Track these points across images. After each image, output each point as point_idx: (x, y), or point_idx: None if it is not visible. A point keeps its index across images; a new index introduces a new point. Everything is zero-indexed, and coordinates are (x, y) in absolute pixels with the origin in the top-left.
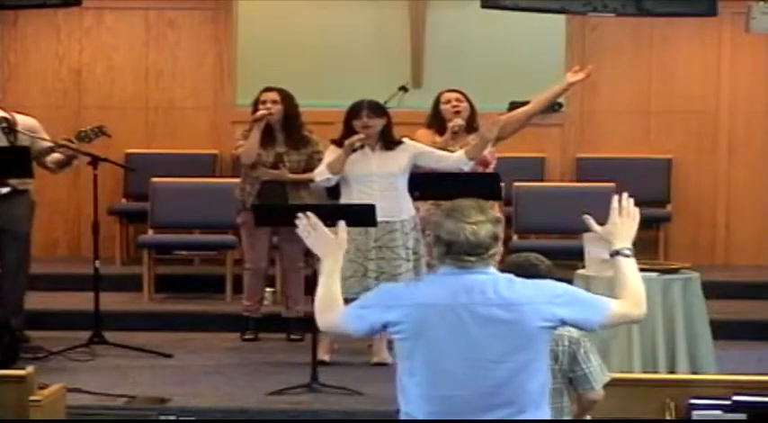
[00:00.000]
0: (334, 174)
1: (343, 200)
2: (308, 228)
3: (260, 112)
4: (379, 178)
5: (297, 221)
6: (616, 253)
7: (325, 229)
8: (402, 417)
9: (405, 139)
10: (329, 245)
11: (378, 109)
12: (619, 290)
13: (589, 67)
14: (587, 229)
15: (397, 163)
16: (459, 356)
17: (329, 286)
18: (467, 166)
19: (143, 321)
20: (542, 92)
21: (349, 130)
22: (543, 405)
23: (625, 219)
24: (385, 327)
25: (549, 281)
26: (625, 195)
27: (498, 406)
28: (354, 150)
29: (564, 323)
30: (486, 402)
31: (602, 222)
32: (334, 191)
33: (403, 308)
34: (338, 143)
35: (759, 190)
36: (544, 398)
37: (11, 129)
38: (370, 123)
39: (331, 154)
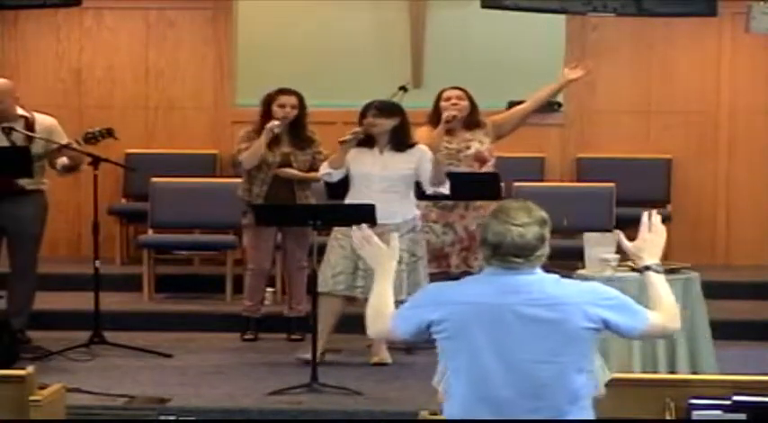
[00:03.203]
0: (334, 169)
1: (349, 198)
2: (363, 240)
3: (276, 123)
4: (379, 179)
5: (351, 233)
6: (646, 268)
7: (379, 241)
8: (446, 416)
9: (419, 145)
10: (381, 256)
11: (386, 109)
12: (654, 304)
13: (587, 63)
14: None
15: (402, 166)
16: (501, 356)
17: (380, 295)
18: (429, 191)
19: (143, 321)
20: (540, 89)
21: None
22: (587, 406)
23: (654, 235)
24: (430, 326)
25: (598, 283)
26: (654, 212)
27: (542, 408)
28: (344, 143)
29: (606, 326)
30: (529, 404)
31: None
32: (334, 190)
33: (447, 306)
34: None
35: (759, 190)
36: (588, 399)
37: (29, 127)
38: (375, 123)
39: None
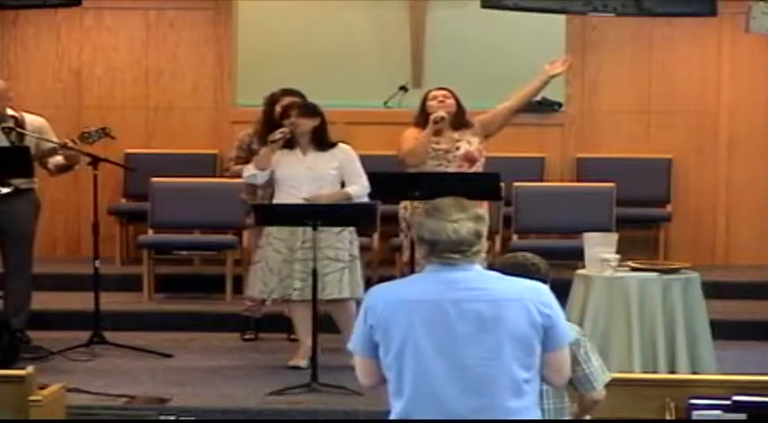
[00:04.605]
0: (260, 170)
1: (274, 201)
2: None
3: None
4: (307, 180)
5: None
6: None
7: None
8: (392, 417)
9: (341, 144)
10: None
11: (307, 110)
12: None
13: (567, 57)
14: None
15: (327, 166)
16: (444, 353)
17: None
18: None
19: (143, 321)
20: (523, 86)
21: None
22: (531, 406)
23: None
24: (372, 327)
25: (543, 284)
26: None
27: (486, 405)
28: (273, 143)
29: (548, 324)
30: (473, 401)
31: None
32: None
33: (390, 305)
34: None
35: (759, 190)
36: (533, 395)
37: (19, 127)
38: (298, 123)
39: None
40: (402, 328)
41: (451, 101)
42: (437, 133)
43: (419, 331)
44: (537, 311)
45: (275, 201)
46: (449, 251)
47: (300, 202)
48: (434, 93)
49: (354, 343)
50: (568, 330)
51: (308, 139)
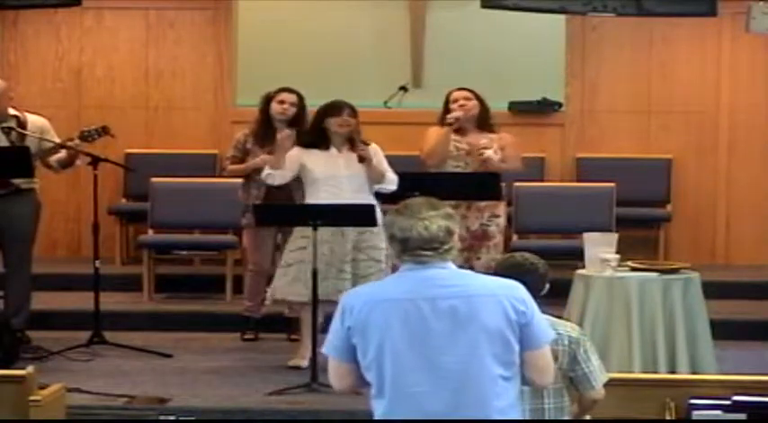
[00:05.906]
0: (274, 170)
1: (310, 201)
2: None
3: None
4: (348, 179)
5: None
6: None
7: None
8: (376, 418)
9: (372, 144)
10: None
11: (354, 110)
12: None
13: (496, 139)
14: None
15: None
16: (421, 352)
17: None
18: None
19: (143, 321)
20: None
21: (319, 129)
22: (513, 400)
23: None
24: (350, 329)
25: (519, 283)
26: None
27: (466, 405)
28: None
29: (524, 320)
30: (452, 400)
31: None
32: None
33: (367, 305)
34: (307, 144)
35: (759, 190)
36: (513, 393)
37: (21, 127)
38: (350, 122)
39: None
40: (379, 329)
41: (474, 102)
42: (461, 132)
43: (396, 331)
44: (511, 308)
45: (313, 201)
46: (420, 248)
47: (343, 201)
48: (456, 94)
49: (329, 345)
50: (548, 330)
51: (342, 140)
